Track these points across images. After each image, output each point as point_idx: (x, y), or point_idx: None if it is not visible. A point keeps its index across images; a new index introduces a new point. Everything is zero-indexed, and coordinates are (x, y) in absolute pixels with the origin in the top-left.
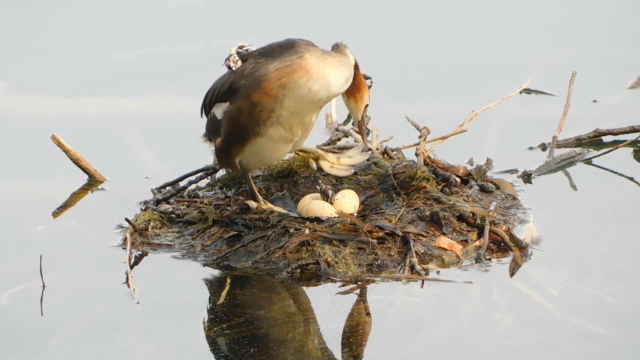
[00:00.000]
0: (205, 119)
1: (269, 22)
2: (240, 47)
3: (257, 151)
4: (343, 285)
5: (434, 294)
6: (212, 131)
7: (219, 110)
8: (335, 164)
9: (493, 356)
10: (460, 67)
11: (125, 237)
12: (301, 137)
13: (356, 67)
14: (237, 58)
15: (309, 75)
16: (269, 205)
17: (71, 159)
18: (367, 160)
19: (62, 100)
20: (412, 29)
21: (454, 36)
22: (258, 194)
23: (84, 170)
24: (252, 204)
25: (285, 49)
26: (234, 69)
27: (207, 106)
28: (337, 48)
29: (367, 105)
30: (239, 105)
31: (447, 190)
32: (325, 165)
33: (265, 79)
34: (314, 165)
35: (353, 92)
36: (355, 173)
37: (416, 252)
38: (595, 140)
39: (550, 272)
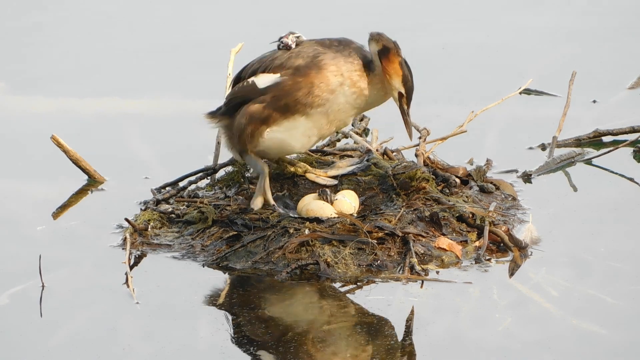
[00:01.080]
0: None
1: (269, 22)
2: (292, 33)
3: (291, 130)
4: (343, 286)
5: (434, 294)
6: (242, 99)
7: (262, 80)
8: (322, 176)
9: (492, 356)
10: (460, 67)
11: (125, 237)
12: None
13: (387, 50)
14: (294, 39)
15: (356, 85)
16: (269, 196)
17: (71, 159)
18: (367, 161)
19: (62, 100)
20: (412, 29)
21: (454, 36)
22: (269, 190)
23: (84, 170)
24: (258, 203)
25: (342, 45)
26: (293, 46)
27: (246, 78)
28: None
29: (402, 95)
30: (299, 80)
31: (447, 190)
32: (311, 176)
33: (326, 68)
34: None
35: (384, 75)
36: (354, 174)
37: (416, 253)
38: (595, 141)
39: (550, 272)
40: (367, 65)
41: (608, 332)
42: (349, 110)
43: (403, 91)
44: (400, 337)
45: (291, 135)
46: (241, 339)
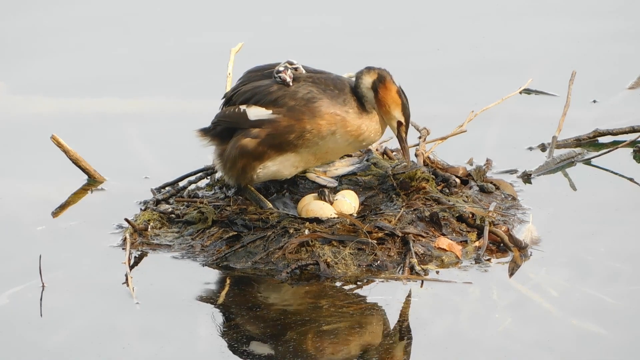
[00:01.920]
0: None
1: (269, 22)
2: (290, 64)
3: (283, 162)
4: (342, 286)
5: (434, 294)
6: (231, 124)
7: (254, 112)
8: (322, 176)
9: (492, 356)
10: (460, 67)
11: (125, 238)
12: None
13: (381, 81)
14: (292, 74)
15: (349, 135)
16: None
17: (71, 159)
18: (367, 160)
19: (62, 100)
20: (412, 29)
21: (454, 36)
22: (265, 200)
23: (84, 170)
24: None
25: (337, 89)
26: (290, 84)
27: (237, 104)
28: (364, 95)
29: (400, 123)
30: (291, 124)
31: (447, 190)
32: (311, 176)
33: (320, 116)
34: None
35: (379, 107)
36: (354, 174)
37: (416, 253)
38: (594, 141)
39: (550, 273)
40: (363, 107)
41: (608, 332)
42: (338, 153)
43: (403, 120)
44: (400, 337)
45: (283, 167)
46: (241, 339)
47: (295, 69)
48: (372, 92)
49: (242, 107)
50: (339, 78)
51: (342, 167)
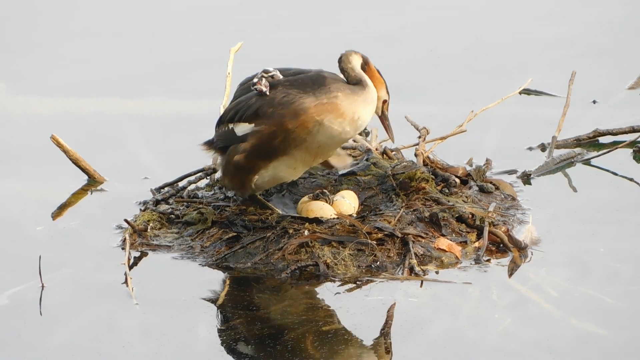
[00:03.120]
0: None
1: (269, 22)
2: (266, 72)
3: (278, 167)
4: (342, 286)
5: (433, 294)
6: (225, 143)
7: (240, 129)
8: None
9: (492, 357)
10: (460, 67)
11: (125, 238)
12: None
13: (366, 62)
14: (267, 83)
15: (342, 118)
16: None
17: (70, 159)
18: (367, 160)
19: (62, 100)
20: (412, 29)
21: (454, 36)
22: (274, 207)
23: (84, 170)
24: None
25: (316, 84)
26: (267, 93)
27: (225, 122)
28: (353, 74)
29: (385, 101)
30: (273, 130)
31: (447, 191)
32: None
33: (303, 112)
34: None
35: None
36: (354, 174)
37: (415, 254)
38: (594, 141)
39: (550, 273)
40: (353, 87)
41: (607, 332)
42: (333, 143)
43: (387, 98)
44: (399, 338)
45: (280, 171)
46: (240, 340)
47: (272, 76)
48: (363, 72)
49: (230, 125)
50: (318, 73)
51: (344, 154)
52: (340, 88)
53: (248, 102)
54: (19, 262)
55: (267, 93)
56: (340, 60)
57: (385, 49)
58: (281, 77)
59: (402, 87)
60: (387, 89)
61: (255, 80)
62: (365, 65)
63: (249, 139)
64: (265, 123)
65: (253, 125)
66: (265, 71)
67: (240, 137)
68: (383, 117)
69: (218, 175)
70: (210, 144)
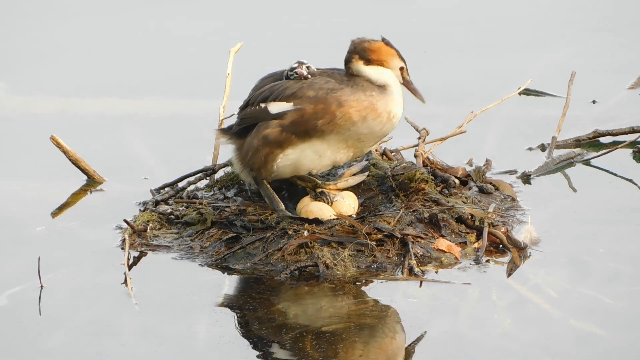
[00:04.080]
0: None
1: (269, 23)
2: (300, 63)
3: (306, 150)
4: (342, 287)
5: (433, 295)
6: (253, 121)
7: (276, 107)
8: (332, 190)
9: (491, 357)
10: (460, 67)
11: (124, 238)
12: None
13: (363, 50)
14: (306, 69)
15: (380, 117)
16: (287, 213)
17: (70, 159)
18: (366, 161)
19: (61, 101)
20: (411, 30)
21: (454, 36)
22: (278, 200)
23: (83, 171)
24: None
25: (351, 80)
26: (308, 76)
27: (257, 103)
28: (369, 79)
29: (402, 68)
30: (319, 108)
31: (446, 191)
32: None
33: (347, 104)
34: (312, 194)
35: (379, 64)
36: (354, 173)
37: (415, 254)
38: (594, 141)
39: (549, 273)
40: (377, 88)
41: (607, 333)
42: (372, 139)
43: (403, 64)
44: (399, 338)
45: (305, 156)
46: (239, 340)
47: (308, 67)
48: (375, 68)
49: (263, 104)
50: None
51: (350, 175)
52: (373, 87)
53: (285, 85)
54: (18, 262)
55: (308, 77)
56: (348, 68)
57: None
58: (315, 69)
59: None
60: (399, 56)
61: (294, 65)
62: (364, 53)
63: (287, 116)
64: (308, 102)
65: (292, 104)
66: (301, 62)
67: (274, 115)
68: (406, 83)
69: (234, 156)
70: (225, 131)
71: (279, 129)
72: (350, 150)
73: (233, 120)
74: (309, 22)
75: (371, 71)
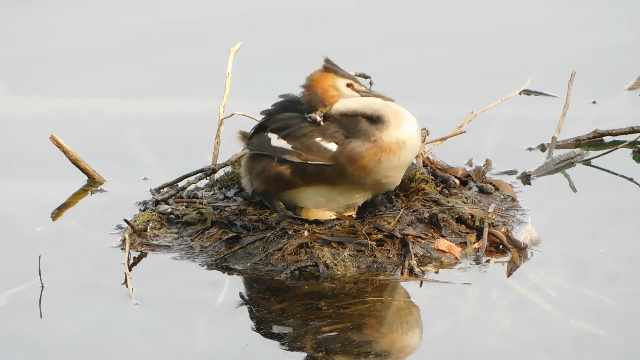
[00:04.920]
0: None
1: (269, 23)
2: (363, 76)
3: (315, 193)
4: (342, 287)
5: (433, 295)
6: (257, 148)
7: (279, 143)
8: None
9: (491, 357)
10: (460, 68)
11: (124, 238)
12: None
13: (311, 87)
14: (320, 118)
15: (393, 154)
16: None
17: (70, 159)
18: None
19: (62, 100)
20: (411, 29)
21: (453, 37)
22: (281, 204)
23: (83, 171)
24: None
25: (355, 127)
26: (321, 123)
27: (264, 130)
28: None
29: (349, 85)
30: (329, 164)
31: (446, 191)
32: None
33: (359, 157)
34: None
35: (324, 98)
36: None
37: (415, 254)
38: (594, 141)
39: (549, 274)
40: (379, 124)
41: (607, 333)
42: (396, 175)
43: (349, 80)
44: (399, 338)
45: (307, 197)
46: (239, 340)
47: (365, 76)
48: (345, 100)
49: (272, 135)
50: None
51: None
52: (381, 129)
53: (295, 122)
54: (18, 263)
55: (321, 123)
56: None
57: (384, 50)
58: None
59: (402, 88)
60: (339, 74)
61: (310, 114)
62: (311, 89)
63: (290, 157)
64: (328, 157)
65: (290, 146)
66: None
67: (275, 149)
68: (365, 94)
69: (244, 162)
70: (245, 135)
71: (289, 169)
72: (368, 192)
73: (233, 120)
74: (309, 22)
75: (348, 104)
